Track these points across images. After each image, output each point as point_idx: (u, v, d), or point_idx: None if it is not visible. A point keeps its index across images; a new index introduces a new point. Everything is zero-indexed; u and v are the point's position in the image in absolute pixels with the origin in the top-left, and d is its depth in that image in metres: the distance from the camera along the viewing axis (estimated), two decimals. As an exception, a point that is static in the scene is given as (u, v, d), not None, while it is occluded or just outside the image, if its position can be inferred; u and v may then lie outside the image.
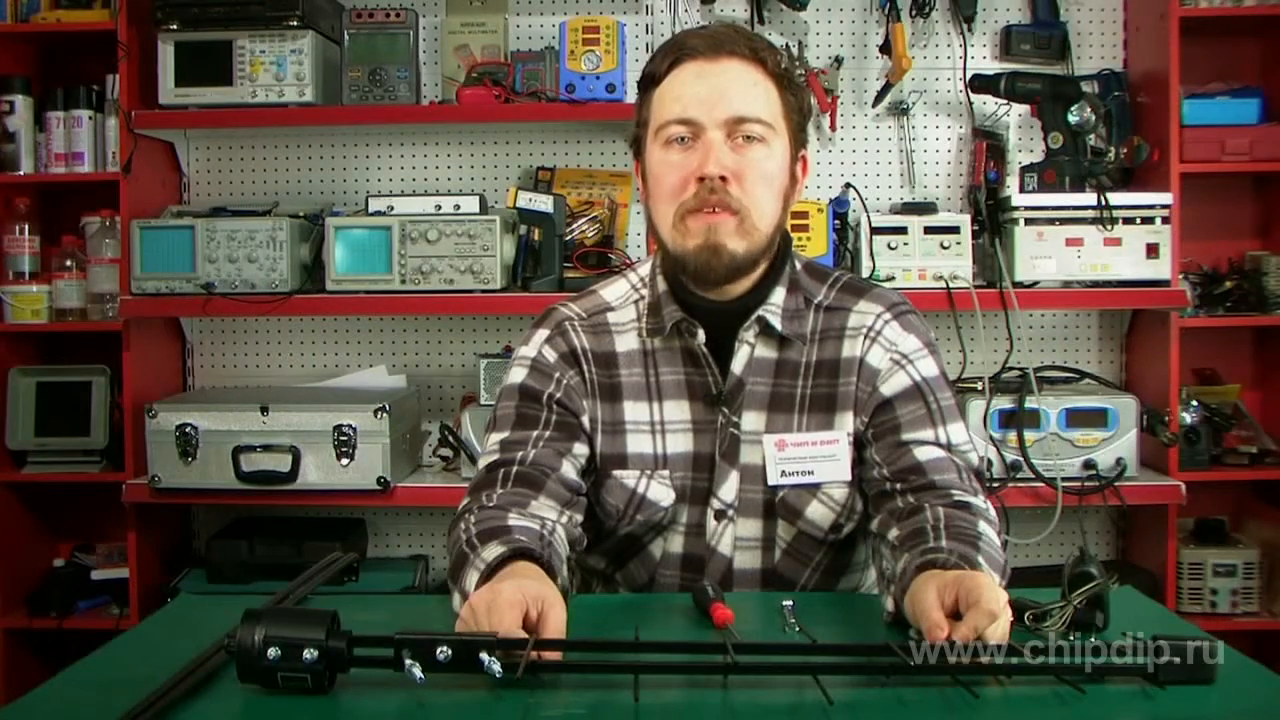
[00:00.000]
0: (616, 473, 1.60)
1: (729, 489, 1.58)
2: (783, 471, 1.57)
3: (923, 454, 1.53)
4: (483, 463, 1.58)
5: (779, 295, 1.59)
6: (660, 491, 1.59)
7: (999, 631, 1.16)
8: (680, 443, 1.59)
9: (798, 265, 1.64)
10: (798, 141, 1.58)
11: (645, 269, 1.67)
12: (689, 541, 1.61)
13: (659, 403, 1.60)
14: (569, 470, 1.55)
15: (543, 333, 1.64)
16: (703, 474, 1.59)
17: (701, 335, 1.57)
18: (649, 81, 1.57)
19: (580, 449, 1.58)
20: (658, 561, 1.63)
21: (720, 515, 1.59)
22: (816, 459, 1.57)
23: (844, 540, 1.62)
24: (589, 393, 1.61)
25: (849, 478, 1.58)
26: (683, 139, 1.51)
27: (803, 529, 1.59)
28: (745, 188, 1.50)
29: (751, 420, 1.58)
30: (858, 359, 1.58)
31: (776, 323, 1.58)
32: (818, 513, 1.58)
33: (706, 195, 1.49)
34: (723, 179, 1.48)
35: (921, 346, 1.60)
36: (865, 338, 1.59)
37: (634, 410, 1.60)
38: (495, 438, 1.58)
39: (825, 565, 1.62)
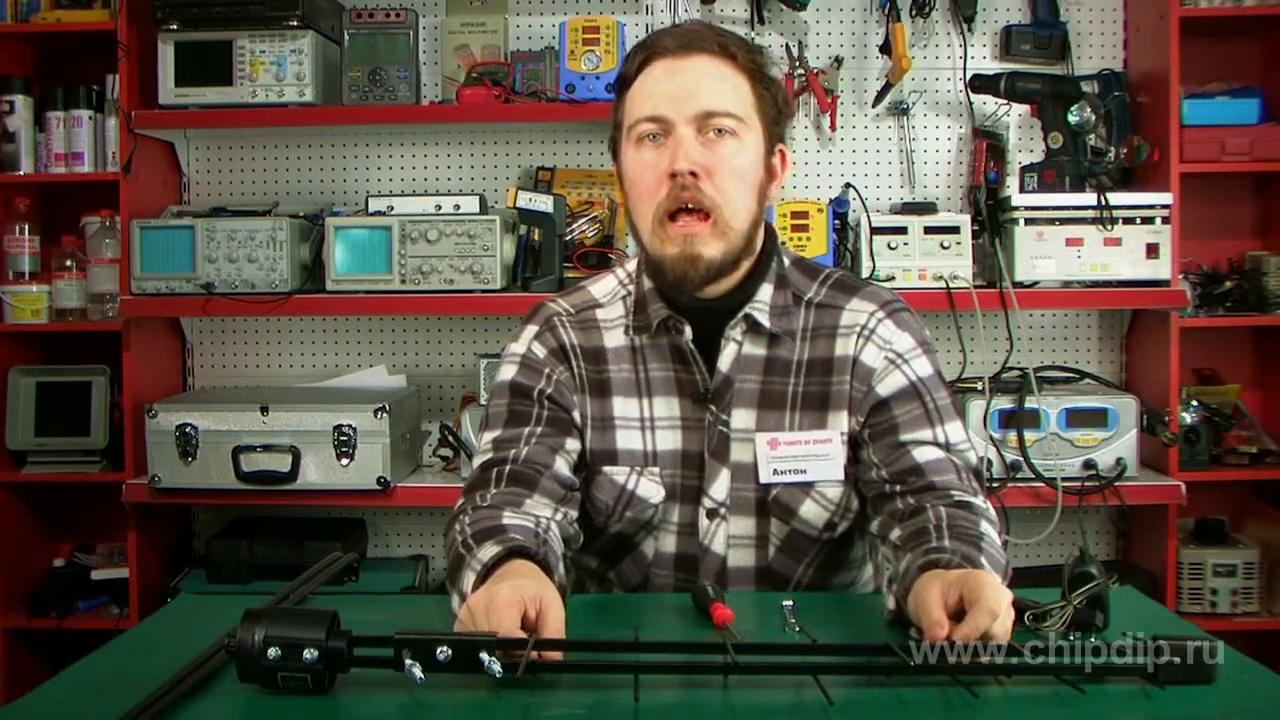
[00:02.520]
0: (606, 469, 1.60)
1: (720, 487, 1.58)
2: (775, 470, 1.57)
3: (921, 455, 1.52)
4: (476, 462, 1.58)
5: (766, 292, 1.58)
6: (650, 488, 1.59)
7: (1001, 631, 1.16)
8: (669, 440, 1.59)
9: (786, 261, 1.63)
10: (773, 135, 1.57)
11: (632, 265, 1.66)
12: (682, 541, 1.60)
13: (648, 399, 1.60)
14: (562, 466, 1.55)
15: (532, 329, 1.64)
16: (692, 472, 1.59)
17: (689, 332, 1.56)
18: (622, 83, 1.57)
19: (573, 444, 1.58)
20: (650, 561, 1.62)
21: (712, 514, 1.59)
22: (810, 458, 1.57)
23: (839, 537, 1.61)
24: (579, 388, 1.61)
25: (843, 477, 1.58)
26: (654, 136, 1.51)
27: (796, 527, 1.59)
28: (717, 183, 1.49)
29: (741, 418, 1.58)
30: (851, 358, 1.58)
31: (764, 320, 1.57)
32: (811, 511, 1.58)
33: (679, 193, 1.48)
34: (694, 175, 1.48)
35: (916, 345, 1.60)
36: (859, 336, 1.58)
37: (623, 406, 1.60)
38: (488, 436, 1.58)
39: (820, 561, 1.62)
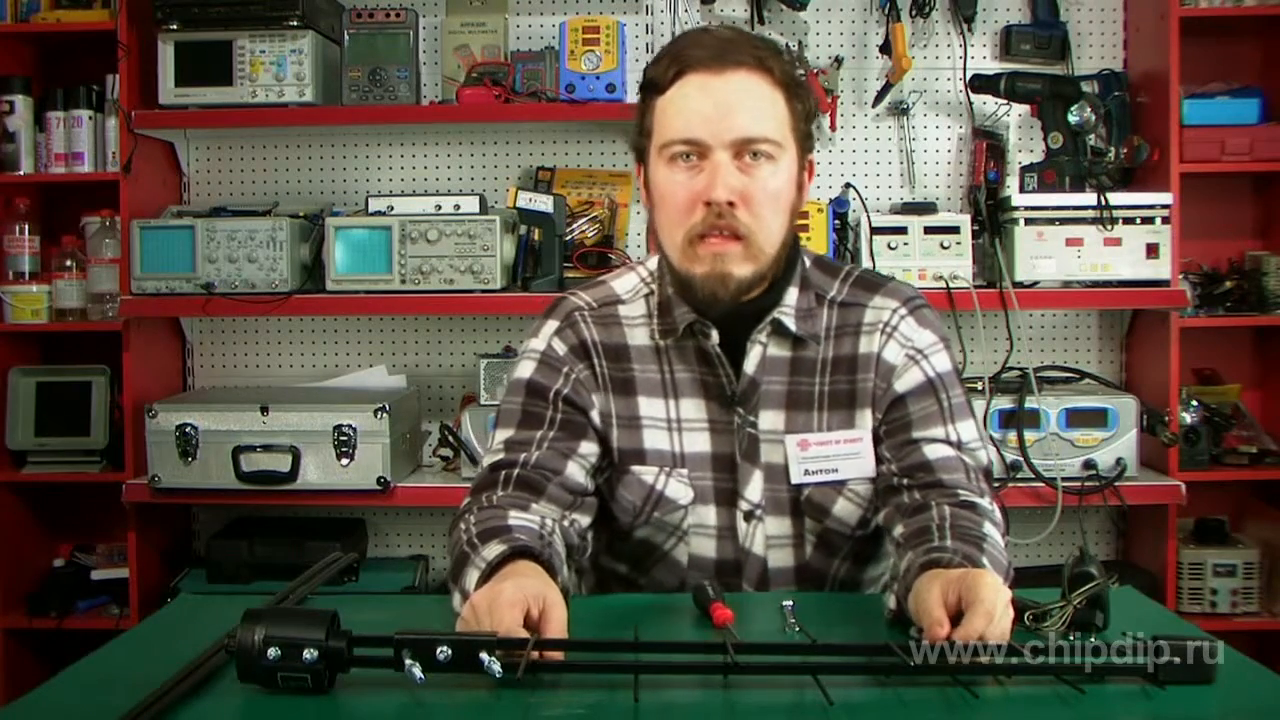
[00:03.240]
0: (635, 468, 1.58)
1: (754, 489, 1.57)
2: (806, 470, 1.56)
3: (932, 452, 1.52)
4: (486, 461, 1.57)
5: (791, 295, 1.58)
6: (679, 490, 1.58)
7: (998, 631, 1.16)
8: (698, 442, 1.58)
9: (807, 262, 1.62)
10: (805, 149, 1.56)
11: (653, 264, 1.65)
12: (721, 545, 1.59)
13: (675, 400, 1.59)
14: (574, 472, 1.54)
15: (552, 324, 1.62)
16: (725, 475, 1.58)
17: (715, 336, 1.56)
18: (651, 89, 1.53)
19: (588, 448, 1.56)
20: (686, 567, 1.61)
21: (749, 516, 1.58)
22: (841, 457, 1.56)
23: (871, 531, 1.61)
24: (599, 386, 1.59)
25: (873, 474, 1.57)
26: (687, 156, 1.49)
27: (830, 526, 1.58)
28: (753, 210, 1.48)
29: (769, 419, 1.57)
30: (875, 355, 1.58)
31: (790, 324, 1.57)
32: (845, 509, 1.57)
33: (714, 219, 1.47)
34: (730, 203, 1.47)
35: (936, 341, 1.60)
36: (882, 333, 1.58)
37: (649, 406, 1.59)
38: (500, 435, 1.57)
39: (853, 556, 1.62)
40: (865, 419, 1.58)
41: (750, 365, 1.57)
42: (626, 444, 1.59)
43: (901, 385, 1.56)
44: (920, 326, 1.59)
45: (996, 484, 2.75)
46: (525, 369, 1.60)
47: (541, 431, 1.55)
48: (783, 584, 1.59)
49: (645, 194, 1.59)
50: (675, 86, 1.50)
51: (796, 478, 1.56)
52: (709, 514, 1.58)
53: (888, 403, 1.57)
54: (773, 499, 1.58)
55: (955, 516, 1.42)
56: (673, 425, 1.58)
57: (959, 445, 1.54)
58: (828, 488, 1.57)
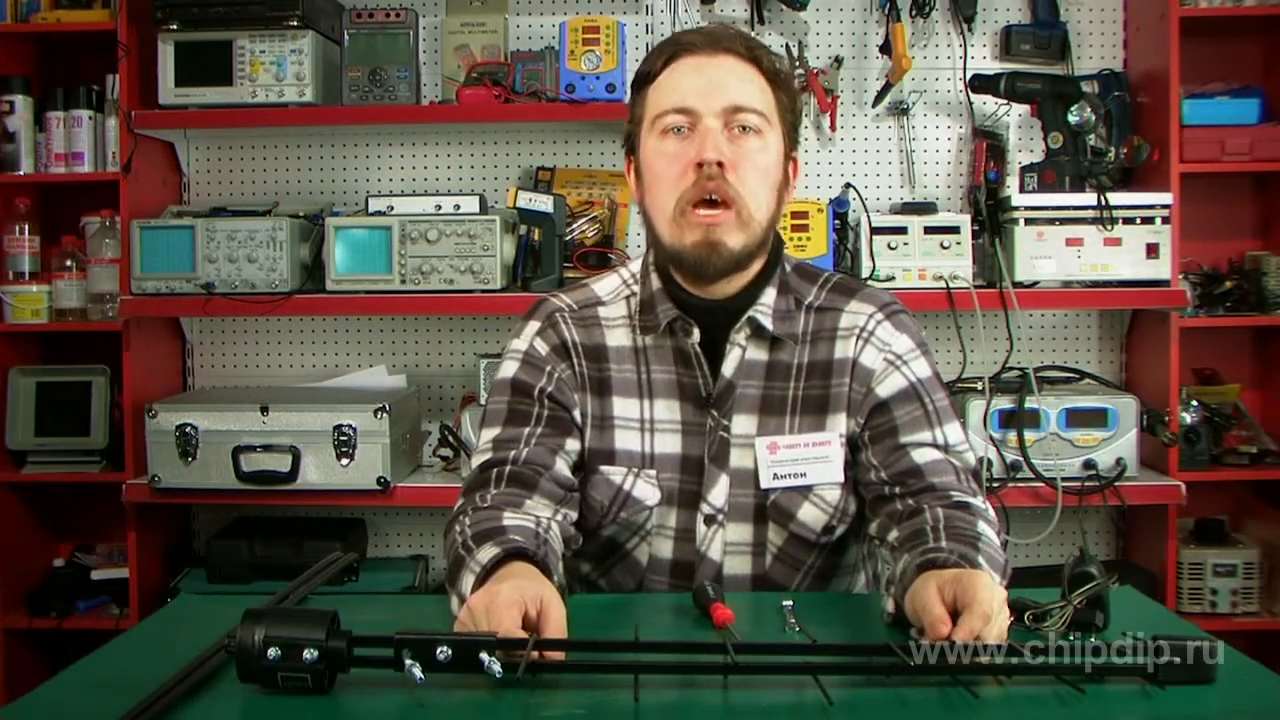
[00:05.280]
0: (604, 468, 1.59)
1: (718, 493, 1.58)
2: (775, 474, 1.56)
3: (921, 456, 1.52)
4: (476, 461, 1.57)
5: (769, 296, 1.58)
6: (646, 490, 1.58)
7: (995, 631, 1.17)
8: (669, 443, 1.59)
9: (788, 267, 1.63)
10: (791, 141, 1.58)
11: (636, 265, 1.66)
12: (678, 547, 1.60)
13: (649, 401, 1.59)
14: (562, 467, 1.55)
15: (534, 325, 1.64)
16: (691, 477, 1.58)
17: (696, 334, 1.56)
18: (644, 79, 1.57)
19: (572, 444, 1.58)
20: (645, 567, 1.62)
21: (710, 520, 1.58)
22: (809, 460, 1.57)
23: (835, 543, 1.61)
24: (580, 386, 1.60)
25: (841, 479, 1.58)
26: (679, 129, 1.51)
27: (795, 531, 1.58)
28: (741, 177, 1.50)
29: (742, 424, 1.58)
30: (851, 360, 1.58)
31: (767, 323, 1.57)
32: (810, 515, 1.57)
33: (705, 182, 1.48)
34: (719, 165, 1.48)
35: (914, 347, 1.60)
36: (858, 338, 1.59)
37: (623, 406, 1.59)
38: (487, 435, 1.58)
39: (817, 569, 1.62)
40: (838, 423, 1.58)
41: (728, 368, 1.57)
42: (597, 444, 1.59)
43: (883, 390, 1.57)
44: (898, 331, 1.60)
45: (996, 484, 2.78)
46: (509, 369, 1.61)
47: (529, 428, 1.56)
48: (739, 592, 1.58)
49: (635, 183, 1.60)
50: (668, 70, 1.54)
51: (766, 482, 1.56)
52: (670, 515, 1.59)
53: (870, 408, 1.57)
54: (737, 505, 1.58)
55: (949, 518, 1.42)
56: (645, 426, 1.59)
57: (946, 448, 1.55)
58: (794, 492, 1.57)
